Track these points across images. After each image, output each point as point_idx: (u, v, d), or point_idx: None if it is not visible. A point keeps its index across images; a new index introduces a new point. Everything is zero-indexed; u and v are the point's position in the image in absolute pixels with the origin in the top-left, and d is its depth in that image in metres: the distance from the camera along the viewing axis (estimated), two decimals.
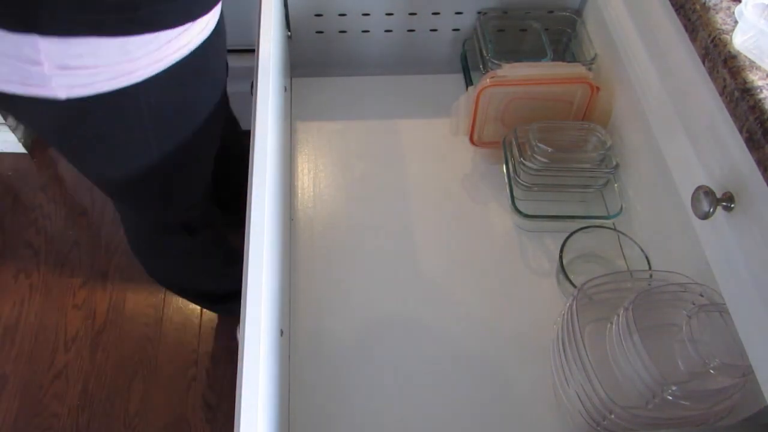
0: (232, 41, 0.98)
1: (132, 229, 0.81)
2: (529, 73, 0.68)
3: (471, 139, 0.74)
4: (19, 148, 1.37)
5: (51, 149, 1.39)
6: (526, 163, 0.66)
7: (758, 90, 0.39)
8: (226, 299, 0.96)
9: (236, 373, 0.41)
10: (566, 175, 0.68)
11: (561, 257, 0.63)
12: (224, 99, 0.68)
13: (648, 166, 0.64)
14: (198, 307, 1.16)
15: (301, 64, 0.82)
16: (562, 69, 0.70)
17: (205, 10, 0.53)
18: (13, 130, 1.34)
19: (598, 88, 0.69)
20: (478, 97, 0.69)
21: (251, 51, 0.66)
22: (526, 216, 0.67)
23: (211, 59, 0.59)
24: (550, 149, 0.64)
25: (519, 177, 0.68)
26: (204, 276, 0.90)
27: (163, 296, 1.18)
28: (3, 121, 1.31)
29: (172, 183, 0.68)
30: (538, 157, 0.65)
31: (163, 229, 0.78)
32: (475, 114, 0.71)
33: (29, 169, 1.35)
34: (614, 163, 0.67)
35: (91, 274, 1.20)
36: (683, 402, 0.46)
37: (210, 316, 1.16)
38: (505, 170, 0.69)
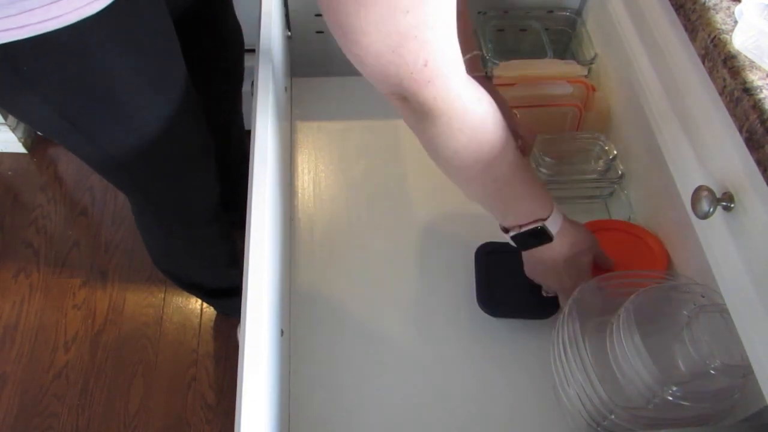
0: None
1: (135, 208, 0.80)
2: (524, 71, 0.68)
3: None
4: (19, 148, 1.37)
5: (51, 149, 1.39)
6: None
7: (758, 90, 0.40)
8: (220, 295, 0.95)
9: (236, 373, 0.41)
10: (572, 186, 0.68)
11: None
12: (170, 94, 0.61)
13: (646, 167, 0.64)
14: (198, 307, 1.16)
15: (301, 64, 0.82)
16: (557, 66, 0.69)
17: None
18: (13, 130, 1.34)
19: (593, 88, 0.69)
20: None
21: (251, 51, 0.67)
22: None
23: (101, 41, 0.51)
24: (554, 161, 0.64)
25: None
26: (203, 269, 0.89)
27: (163, 296, 1.18)
28: (3, 121, 1.31)
29: (142, 176, 0.66)
30: (543, 170, 0.65)
31: (164, 218, 0.77)
32: None
33: (29, 169, 1.35)
34: (620, 173, 0.67)
35: (91, 274, 1.20)
36: (684, 402, 0.46)
37: (210, 315, 1.16)
38: None
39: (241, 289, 0.98)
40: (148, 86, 0.58)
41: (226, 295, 0.95)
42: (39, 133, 0.61)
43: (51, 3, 0.47)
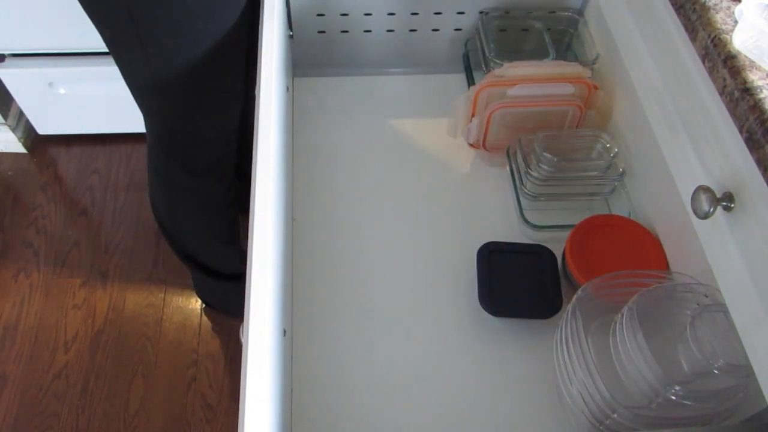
0: None
1: (154, 145, 0.79)
2: (526, 72, 0.68)
3: (484, 144, 0.73)
4: (19, 148, 1.37)
5: (51, 149, 1.39)
6: (532, 173, 0.66)
7: (758, 90, 0.40)
8: (209, 273, 0.94)
9: (236, 373, 0.41)
10: (573, 183, 0.68)
11: (564, 260, 0.63)
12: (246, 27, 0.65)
13: (648, 165, 0.64)
14: (198, 307, 1.16)
15: (303, 63, 0.83)
16: (559, 68, 0.70)
17: None
18: (13, 130, 1.34)
19: (596, 87, 0.69)
20: (476, 97, 0.69)
21: None
22: (536, 227, 0.67)
23: None
24: (555, 158, 0.64)
25: (525, 187, 0.67)
26: (200, 233, 0.88)
27: (163, 296, 1.18)
28: (3, 121, 1.31)
29: (201, 98, 0.67)
30: (544, 167, 0.65)
31: (180, 160, 0.77)
32: (475, 115, 0.71)
33: (29, 169, 1.35)
34: (621, 170, 0.67)
35: (91, 274, 1.20)
36: (687, 402, 0.47)
37: (210, 315, 1.16)
38: (511, 181, 0.69)
39: (232, 278, 0.96)
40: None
41: (215, 276, 0.94)
42: (106, 37, 0.65)
43: None
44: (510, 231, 0.69)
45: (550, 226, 0.67)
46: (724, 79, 0.42)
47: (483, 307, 0.61)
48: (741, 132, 0.41)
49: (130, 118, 1.32)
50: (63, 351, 1.11)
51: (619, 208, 0.69)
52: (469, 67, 0.81)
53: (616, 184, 0.69)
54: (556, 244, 0.65)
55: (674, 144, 0.54)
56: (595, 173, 0.67)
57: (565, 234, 0.64)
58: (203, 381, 1.07)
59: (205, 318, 1.15)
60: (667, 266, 0.61)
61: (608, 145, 0.67)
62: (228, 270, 0.95)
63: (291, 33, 0.79)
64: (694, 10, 0.46)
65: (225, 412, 1.04)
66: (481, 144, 0.73)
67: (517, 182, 0.68)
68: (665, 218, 0.62)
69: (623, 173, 0.67)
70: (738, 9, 0.44)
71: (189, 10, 0.60)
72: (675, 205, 0.58)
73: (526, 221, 0.67)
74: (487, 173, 0.74)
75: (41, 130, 1.36)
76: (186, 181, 0.80)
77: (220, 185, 0.82)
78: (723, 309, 0.48)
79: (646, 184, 0.65)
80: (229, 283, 0.98)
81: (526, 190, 0.68)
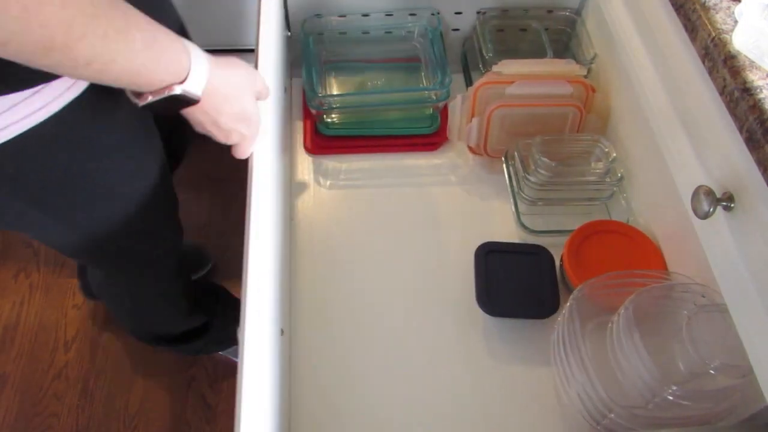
0: (232, 41, 0.98)
1: (110, 293, 0.78)
2: (523, 69, 0.68)
3: (485, 150, 0.72)
4: None
5: None
6: (530, 177, 0.65)
7: (758, 90, 0.40)
8: (186, 339, 0.92)
9: (236, 373, 0.41)
10: (571, 188, 0.67)
11: (562, 264, 0.63)
12: (148, 169, 0.59)
13: (646, 168, 0.64)
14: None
15: (301, 64, 0.82)
16: (554, 66, 0.69)
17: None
18: None
19: (593, 89, 0.69)
20: (475, 95, 0.69)
21: (251, 51, 0.67)
22: (533, 232, 0.67)
23: (86, 124, 0.49)
24: (553, 163, 0.64)
25: (523, 192, 0.67)
26: (167, 321, 0.87)
27: None
28: None
29: (118, 254, 0.65)
30: (542, 171, 0.64)
31: (132, 280, 0.75)
32: (475, 115, 0.71)
33: None
34: (619, 175, 0.67)
35: None
36: (684, 402, 0.47)
37: None
38: (508, 185, 0.69)
39: (204, 329, 0.96)
40: (130, 163, 0.56)
41: (192, 336, 0.93)
42: None
43: (32, 95, 0.44)
44: (508, 235, 0.69)
45: (548, 231, 0.67)
46: (724, 79, 0.42)
47: (480, 307, 0.61)
48: (741, 132, 0.41)
49: None
50: (63, 351, 1.11)
51: (617, 214, 0.69)
52: (467, 67, 0.81)
53: (614, 189, 0.68)
54: (554, 249, 0.65)
55: (674, 144, 0.54)
56: (593, 178, 0.67)
57: (563, 239, 0.63)
58: (203, 381, 1.07)
59: None
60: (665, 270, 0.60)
61: (607, 150, 0.67)
62: (198, 324, 0.93)
63: (289, 33, 0.79)
64: (694, 10, 0.46)
65: (225, 412, 1.04)
66: (483, 149, 0.72)
67: (515, 187, 0.68)
68: (664, 222, 0.62)
69: (622, 178, 0.67)
70: (738, 9, 0.44)
71: (106, 182, 0.55)
72: (674, 208, 0.58)
73: (523, 226, 0.67)
74: (485, 177, 0.74)
75: None
76: (144, 294, 0.78)
77: (178, 279, 0.79)
78: (720, 309, 0.48)
79: (645, 189, 0.65)
80: (203, 337, 0.94)
81: (523, 195, 0.67)
